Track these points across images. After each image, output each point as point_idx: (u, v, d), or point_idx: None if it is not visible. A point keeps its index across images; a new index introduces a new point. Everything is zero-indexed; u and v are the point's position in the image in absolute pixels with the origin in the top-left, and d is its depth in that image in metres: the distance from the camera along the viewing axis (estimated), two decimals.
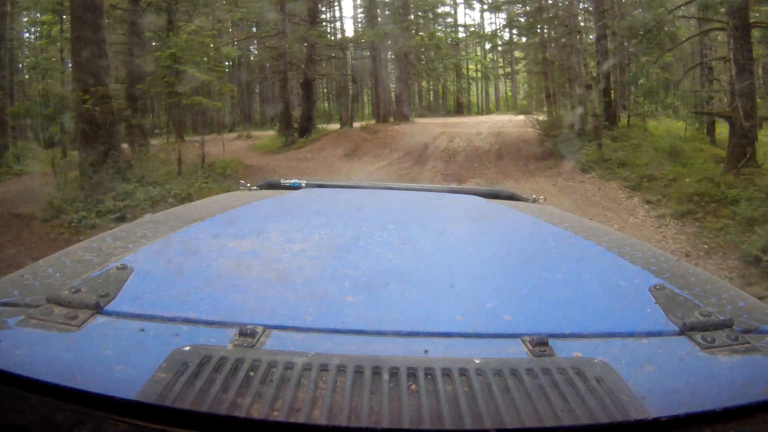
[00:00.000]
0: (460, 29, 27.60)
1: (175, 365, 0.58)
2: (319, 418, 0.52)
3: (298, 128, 16.05)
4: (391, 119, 19.51)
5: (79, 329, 0.67)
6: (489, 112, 28.75)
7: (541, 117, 15.07)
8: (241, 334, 0.66)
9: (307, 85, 16.58)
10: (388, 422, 0.52)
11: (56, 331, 0.66)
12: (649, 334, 0.72)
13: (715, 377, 0.63)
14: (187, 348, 0.62)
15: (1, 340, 0.64)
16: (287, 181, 1.88)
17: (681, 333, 0.72)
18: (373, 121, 19.35)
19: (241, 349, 0.63)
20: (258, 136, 17.75)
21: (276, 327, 0.69)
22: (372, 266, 0.92)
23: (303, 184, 1.83)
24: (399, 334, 0.70)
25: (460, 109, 28.38)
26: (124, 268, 0.83)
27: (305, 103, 16.50)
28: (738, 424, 0.56)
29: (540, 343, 0.66)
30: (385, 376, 0.58)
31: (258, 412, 0.52)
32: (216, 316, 0.71)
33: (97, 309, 0.71)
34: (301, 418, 0.52)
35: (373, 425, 0.52)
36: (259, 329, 0.67)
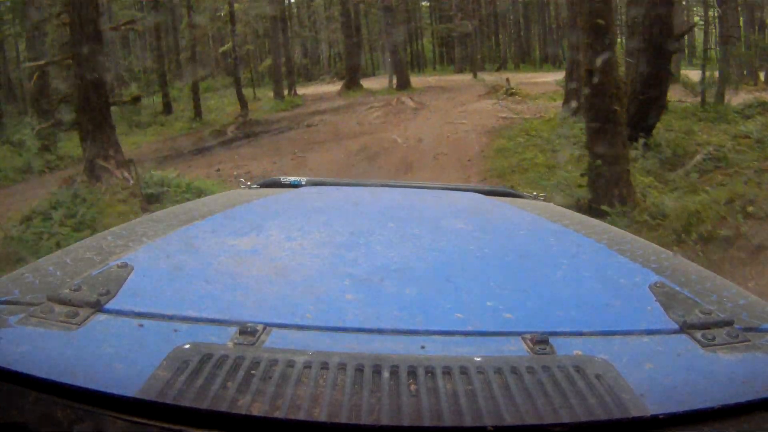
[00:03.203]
0: None
1: (175, 363, 0.58)
2: (320, 415, 0.52)
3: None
4: None
5: (80, 327, 0.67)
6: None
7: None
8: (242, 332, 0.66)
9: None
10: (388, 420, 0.52)
11: (56, 329, 0.66)
12: (650, 332, 0.72)
13: (715, 375, 0.63)
14: (188, 346, 0.62)
15: (1, 338, 0.64)
16: (287, 179, 1.88)
17: (681, 331, 0.72)
18: None
19: (242, 347, 0.63)
20: (540, 91, 6.69)
21: (276, 325, 0.69)
22: (372, 264, 0.92)
23: (303, 182, 1.83)
24: (399, 332, 0.70)
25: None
26: (124, 266, 0.83)
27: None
28: (738, 422, 0.56)
29: (540, 341, 0.66)
30: (386, 374, 0.58)
31: (259, 410, 0.52)
32: (216, 315, 0.71)
33: (98, 307, 0.71)
34: (301, 416, 0.52)
35: (374, 423, 0.52)
36: (260, 327, 0.67)
